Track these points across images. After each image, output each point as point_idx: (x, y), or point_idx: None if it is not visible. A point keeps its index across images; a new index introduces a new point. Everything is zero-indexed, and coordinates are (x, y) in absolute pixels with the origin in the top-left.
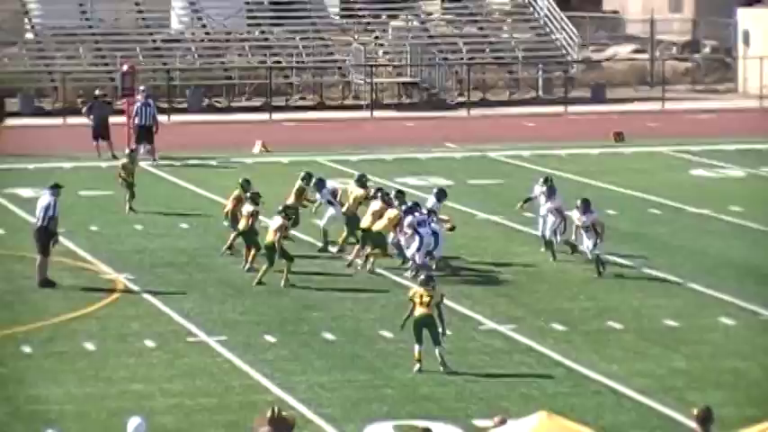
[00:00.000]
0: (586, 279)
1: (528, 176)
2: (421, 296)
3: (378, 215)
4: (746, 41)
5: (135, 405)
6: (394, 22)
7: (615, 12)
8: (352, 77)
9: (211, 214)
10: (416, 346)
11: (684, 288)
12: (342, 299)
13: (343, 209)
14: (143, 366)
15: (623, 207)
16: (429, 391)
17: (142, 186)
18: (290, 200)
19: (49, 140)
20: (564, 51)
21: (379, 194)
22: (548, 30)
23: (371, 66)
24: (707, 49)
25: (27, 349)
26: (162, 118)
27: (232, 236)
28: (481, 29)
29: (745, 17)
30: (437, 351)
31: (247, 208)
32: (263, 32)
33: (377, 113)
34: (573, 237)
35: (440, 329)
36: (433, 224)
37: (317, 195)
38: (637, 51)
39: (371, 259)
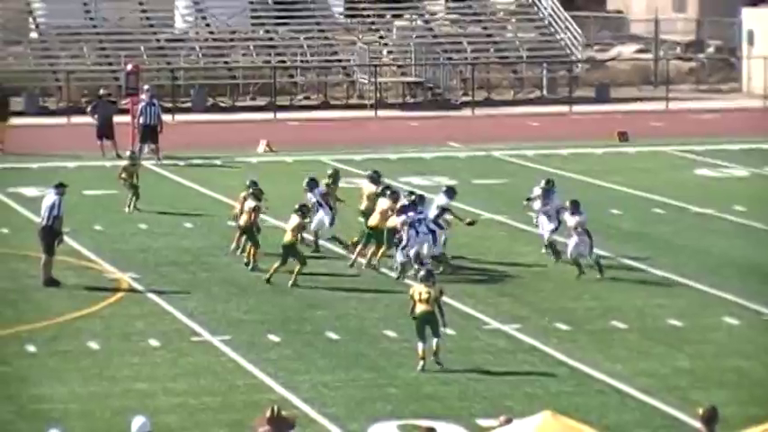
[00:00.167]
0: (590, 279)
1: (532, 176)
2: (420, 293)
3: (385, 214)
4: (750, 41)
5: (139, 404)
6: (398, 22)
7: (619, 11)
8: (356, 77)
9: (215, 214)
10: (419, 344)
11: (688, 288)
12: (346, 298)
13: (362, 207)
14: (147, 365)
15: (627, 206)
16: (433, 390)
17: (146, 186)
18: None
19: (54, 140)
20: (568, 51)
21: (388, 192)
22: (552, 29)
23: (376, 65)
24: (711, 49)
25: (31, 348)
26: (166, 117)
27: (237, 234)
28: (485, 28)
29: (750, 17)
30: (435, 342)
31: (249, 204)
32: (267, 32)
33: (381, 113)
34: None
35: (440, 324)
36: (430, 224)
37: (308, 195)
38: (641, 51)
39: (377, 256)
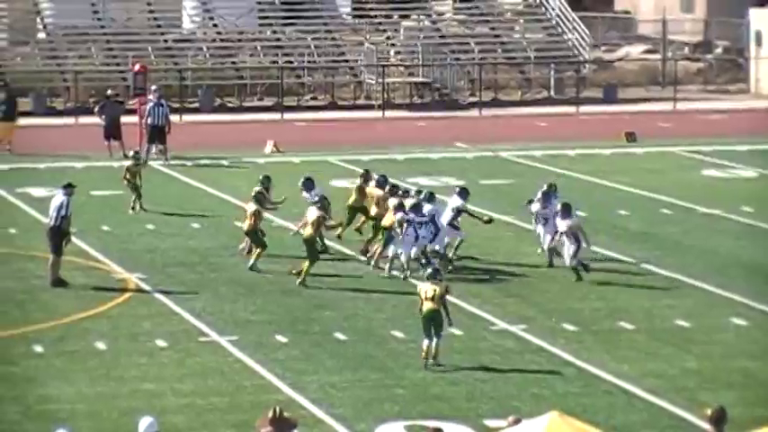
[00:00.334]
0: (597, 279)
1: (539, 176)
2: (426, 291)
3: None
4: (759, 42)
5: (146, 404)
6: (406, 22)
7: (627, 12)
8: (363, 77)
9: (223, 214)
10: (425, 341)
11: (695, 288)
12: (353, 299)
13: (372, 212)
14: (154, 366)
15: (634, 207)
16: (440, 390)
17: (154, 186)
18: (352, 199)
19: (61, 140)
20: (576, 51)
21: (400, 192)
22: (559, 30)
23: (383, 66)
24: (719, 50)
25: (38, 348)
26: (173, 118)
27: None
28: (493, 29)
29: (758, 17)
30: (434, 342)
31: (251, 207)
32: (274, 32)
33: (388, 113)
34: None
35: (445, 322)
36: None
37: (305, 194)
38: (648, 51)
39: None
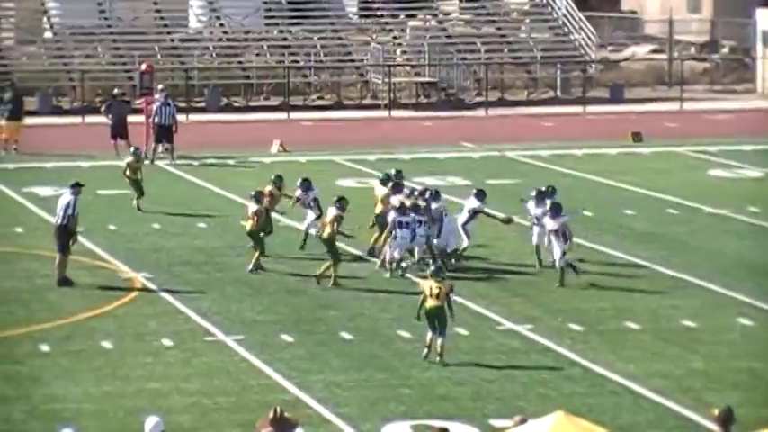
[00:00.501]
0: (602, 279)
1: (546, 176)
2: (431, 288)
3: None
4: (765, 42)
5: (152, 404)
6: (412, 22)
7: (633, 12)
8: (370, 77)
9: (229, 214)
10: (429, 333)
11: (701, 288)
12: (359, 298)
13: (377, 210)
14: (160, 365)
15: (641, 207)
16: (446, 390)
17: (160, 186)
18: (378, 208)
19: (67, 139)
20: (582, 51)
21: (406, 191)
22: (566, 30)
23: (389, 65)
24: (725, 50)
25: (44, 348)
26: (180, 117)
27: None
28: (499, 29)
29: (764, 17)
30: (439, 341)
31: (252, 207)
32: (281, 32)
33: (395, 113)
34: (546, 243)
35: (449, 320)
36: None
37: (298, 193)
38: (655, 51)
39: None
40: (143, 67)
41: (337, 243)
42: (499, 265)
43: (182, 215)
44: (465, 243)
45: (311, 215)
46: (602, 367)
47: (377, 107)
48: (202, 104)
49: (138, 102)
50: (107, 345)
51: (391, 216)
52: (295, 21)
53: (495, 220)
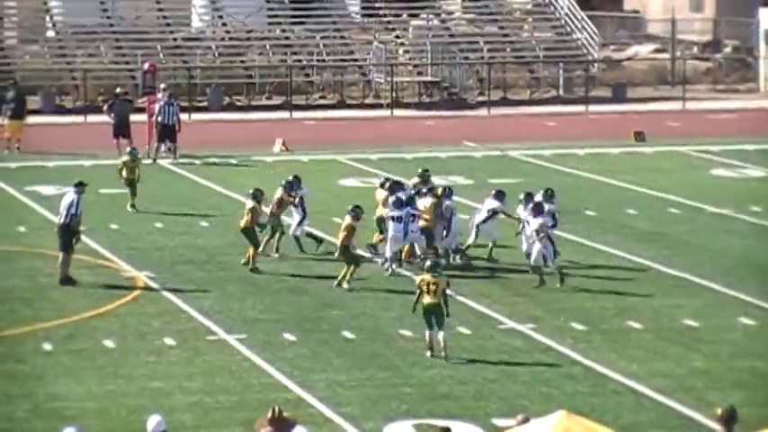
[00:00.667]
0: (606, 279)
1: (548, 176)
2: (428, 284)
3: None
4: None
5: (154, 402)
6: (415, 21)
7: (636, 11)
8: (372, 76)
9: (231, 213)
10: (427, 332)
11: (704, 288)
12: (361, 297)
13: (377, 213)
14: (163, 364)
15: (643, 206)
16: (448, 389)
17: (163, 185)
18: (379, 211)
19: (70, 138)
20: (585, 51)
21: (386, 184)
22: (568, 29)
23: (392, 65)
24: (728, 49)
25: (47, 346)
26: (182, 116)
27: (265, 238)
28: (502, 28)
29: (767, 17)
30: (440, 336)
31: (248, 204)
32: (283, 31)
33: (397, 112)
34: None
35: (445, 315)
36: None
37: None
38: (657, 51)
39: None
40: (146, 66)
41: (354, 249)
42: (501, 264)
43: (184, 214)
44: (471, 240)
45: (296, 217)
46: (604, 366)
47: (379, 106)
48: (205, 103)
49: (140, 101)
50: (110, 343)
51: (385, 211)
52: (297, 20)
53: (514, 220)
